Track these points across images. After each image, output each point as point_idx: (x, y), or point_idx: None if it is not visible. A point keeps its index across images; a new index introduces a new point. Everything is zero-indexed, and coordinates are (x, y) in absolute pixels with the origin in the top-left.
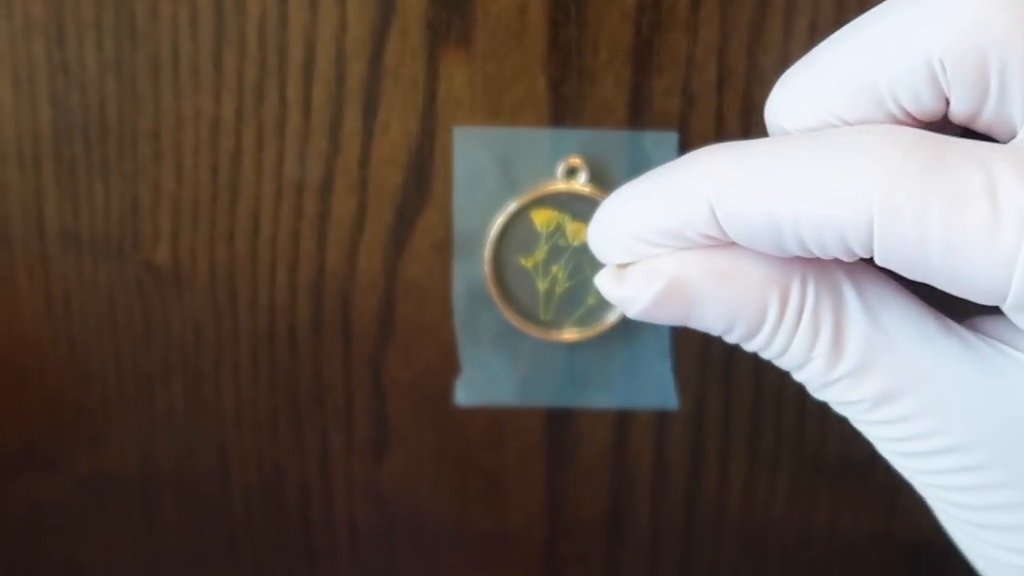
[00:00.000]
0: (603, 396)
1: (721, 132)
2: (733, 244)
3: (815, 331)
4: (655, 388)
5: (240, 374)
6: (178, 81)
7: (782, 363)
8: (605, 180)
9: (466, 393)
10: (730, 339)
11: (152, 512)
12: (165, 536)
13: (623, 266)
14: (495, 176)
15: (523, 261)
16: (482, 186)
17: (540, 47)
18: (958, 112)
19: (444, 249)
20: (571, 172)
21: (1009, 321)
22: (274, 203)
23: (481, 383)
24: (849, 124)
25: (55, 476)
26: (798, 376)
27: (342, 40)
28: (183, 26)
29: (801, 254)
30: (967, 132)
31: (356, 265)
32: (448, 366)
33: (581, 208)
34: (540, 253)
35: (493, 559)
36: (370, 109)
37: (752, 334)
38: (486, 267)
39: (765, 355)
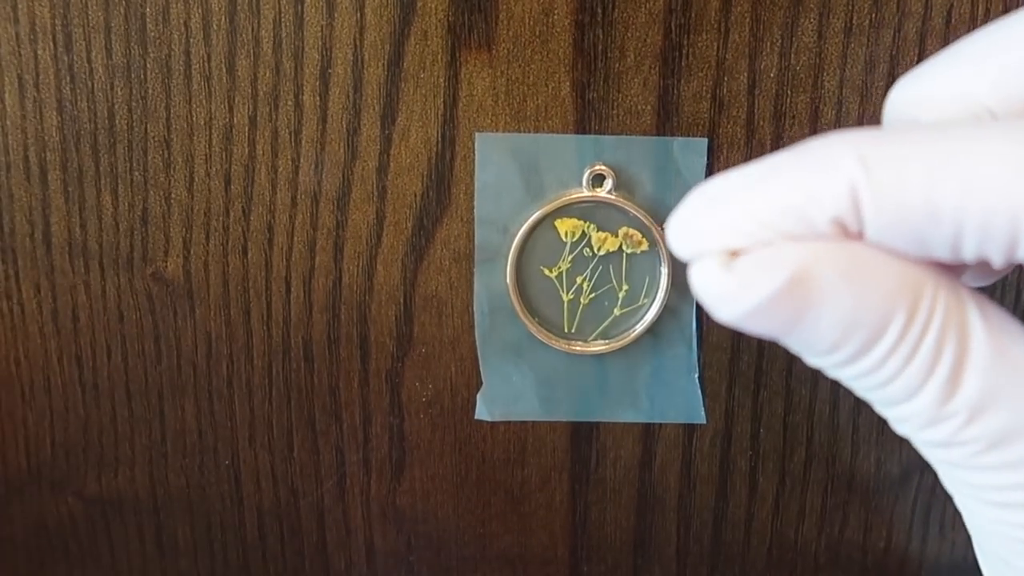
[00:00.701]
0: (629, 410)
1: (752, 138)
2: (857, 240)
3: (936, 354)
4: (682, 402)
5: (254, 391)
6: (190, 87)
7: (884, 393)
8: (632, 188)
9: (488, 408)
10: (832, 358)
11: (163, 535)
12: (177, 560)
13: (729, 255)
14: (518, 184)
15: (547, 272)
16: (505, 194)
17: (565, 50)
18: None
19: (465, 260)
20: (597, 180)
21: None
22: (289, 213)
23: (503, 398)
24: (998, 117)
25: (62, 497)
26: (897, 411)
27: (360, 44)
28: (195, 30)
29: (946, 255)
30: None
31: (374, 277)
32: (469, 381)
33: (607, 217)
34: (564, 263)
35: None
36: (389, 115)
37: (864, 351)
38: (508, 278)
39: (864, 382)
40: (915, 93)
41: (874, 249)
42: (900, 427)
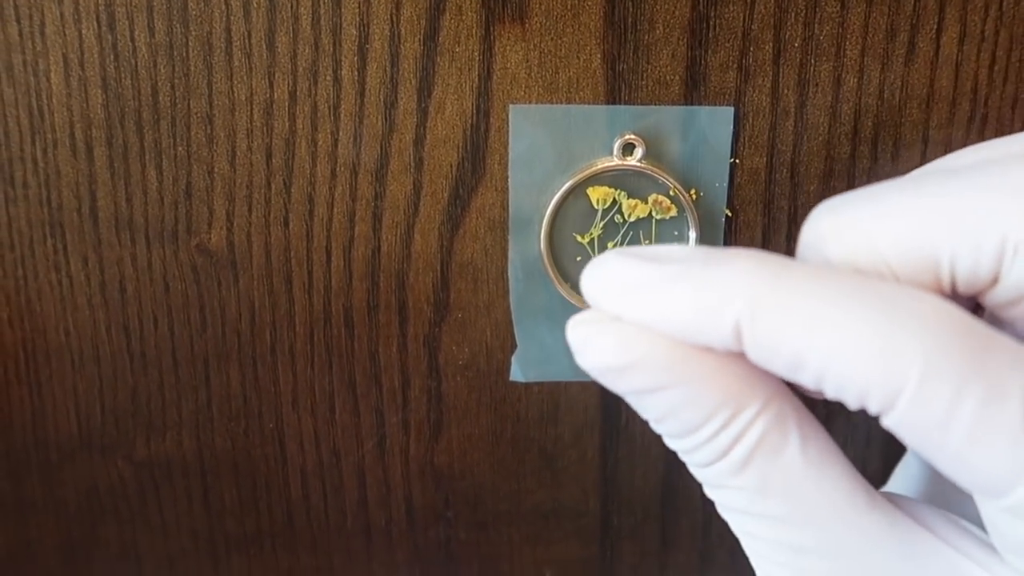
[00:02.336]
0: None
1: (777, 105)
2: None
3: (744, 464)
4: None
5: (296, 357)
6: (231, 63)
7: (697, 472)
8: (661, 156)
9: (521, 370)
10: (655, 426)
11: (210, 496)
12: (224, 520)
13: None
14: (551, 154)
15: (579, 238)
16: (538, 164)
17: (596, 23)
18: (1000, 296)
19: (499, 228)
20: (627, 148)
21: (935, 511)
22: (329, 185)
23: (536, 360)
24: (895, 276)
25: (112, 461)
26: (712, 492)
27: (396, 19)
28: (235, 7)
29: (810, 389)
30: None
31: (411, 246)
32: (503, 344)
33: (637, 184)
34: (596, 230)
35: (549, 533)
36: (425, 88)
37: (678, 436)
38: (542, 244)
39: (683, 456)
40: (827, 229)
41: (721, 362)
42: (700, 482)
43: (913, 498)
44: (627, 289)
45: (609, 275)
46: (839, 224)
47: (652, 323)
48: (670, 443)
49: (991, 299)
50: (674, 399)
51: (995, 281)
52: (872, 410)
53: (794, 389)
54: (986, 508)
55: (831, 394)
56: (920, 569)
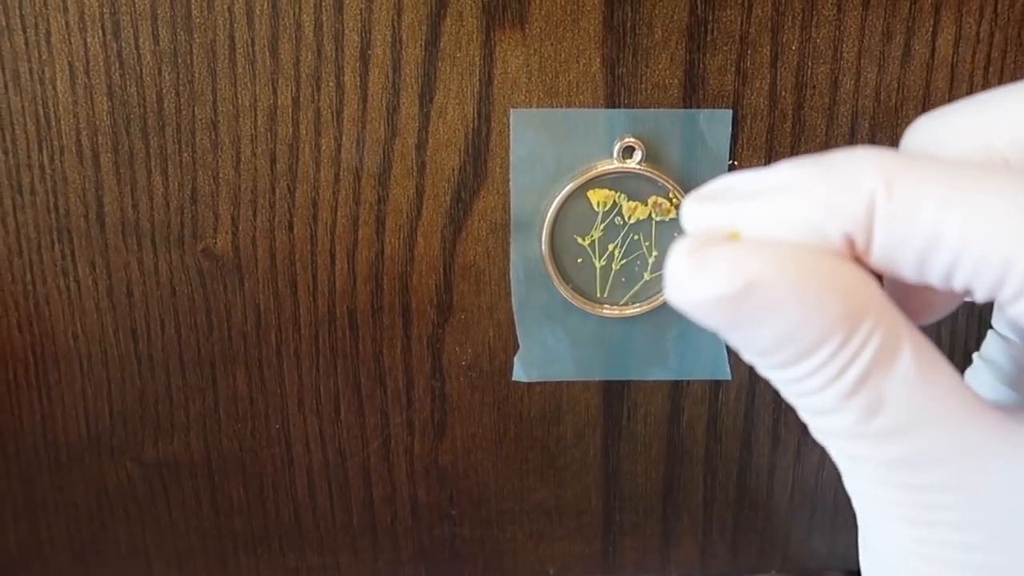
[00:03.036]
0: (658, 369)
1: (775, 108)
2: (821, 254)
3: (859, 383)
4: (708, 360)
5: (302, 359)
6: (235, 70)
7: (806, 403)
8: (660, 159)
9: (524, 370)
10: (764, 360)
11: (218, 497)
12: (231, 520)
13: (702, 246)
14: (551, 157)
15: (580, 240)
16: (539, 167)
17: (595, 27)
18: None
19: (501, 230)
20: (627, 151)
21: None
22: (332, 189)
23: (539, 360)
24: (1012, 168)
25: (121, 463)
26: (815, 420)
27: (398, 25)
28: (239, 15)
29: (938, 282)
30: None
31: (414, 248)
32: (506, 345)
33: (637, 187)
34: (596, 232)
35: (552, 530)
36: (427, 93)
37: (793, 363)
38: (543, 246)
39: (790, 388)
40: (936, 133)
41: (835, 268)
42: (817, 435)
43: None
44: (748, 193)
45: (726, 183)
46: (949, 123)
47: (779, 220)
48: (777, 374)
49: None
50: (791, 320)
51: None
52: (1008, 292)
53: None
54: None
55: (963, 279)
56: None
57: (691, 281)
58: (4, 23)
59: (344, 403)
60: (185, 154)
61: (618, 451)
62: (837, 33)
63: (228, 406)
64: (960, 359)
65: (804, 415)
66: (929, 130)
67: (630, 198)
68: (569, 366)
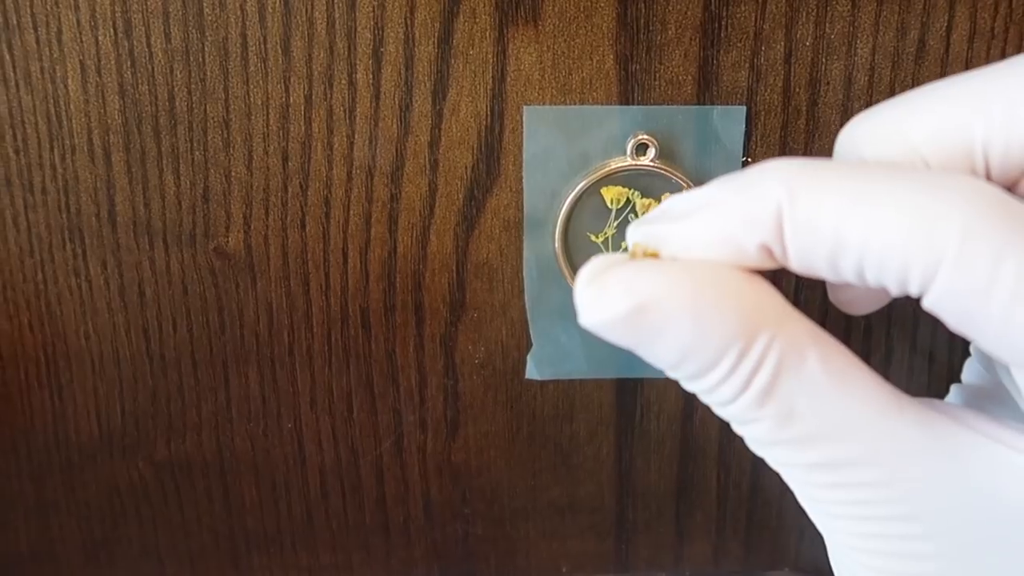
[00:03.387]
0: None
1: (789, 104)
2: (721, 270)
3: (767, 391)
4: None
5: (314, 358)
6: (247, 68)
7: (723, 412)
8: (674, 155)
9: (537, 368)
10: (672, 374)
11: (230, 496)
12: (244, 519)
13: (605, 269)
14: (565, 154)
15: (593, 237)
16: (552, 164)
17: (609, 24)
18: None
19: (514, 228)
20: (640, 148)
21: (970, 411)
22: (345, 188)
23: (552, 358)
24: (930, 167)
25: (133, 462)
26: (741, 430)
27: (411, 22)
28: (251, 13)
29: (853, 280)
30: None
31: (427, 247)
32: (519, 343)
33: (650, 184)
34: (610, 229)
35: (565, 528)
36: (439, 91)
37: (699, 375)
38: (556, 244)
39: (708, 399)
40: (862, 132)
41: (733, 285)
42: (749, 445)
43: (947, 402)
44: (677, 214)
45: (664, 207)
46: (872, 125)
47: (699, 237)
48: (691, 386)
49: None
50: (688, 335)
51: None
52: (913, 288)
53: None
54: (1020, 380)
55: (872, 277)
56: (958, 462)
57: (591, 303)
58: (15, 21)
59: (357, 402)
60: (197, 153)
61: (631, 449)
62: (851, 29)
63: (240, 405)
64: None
65: (735, 427)
66: (857, 131)
67: (644, 195)
68: (582, 364)
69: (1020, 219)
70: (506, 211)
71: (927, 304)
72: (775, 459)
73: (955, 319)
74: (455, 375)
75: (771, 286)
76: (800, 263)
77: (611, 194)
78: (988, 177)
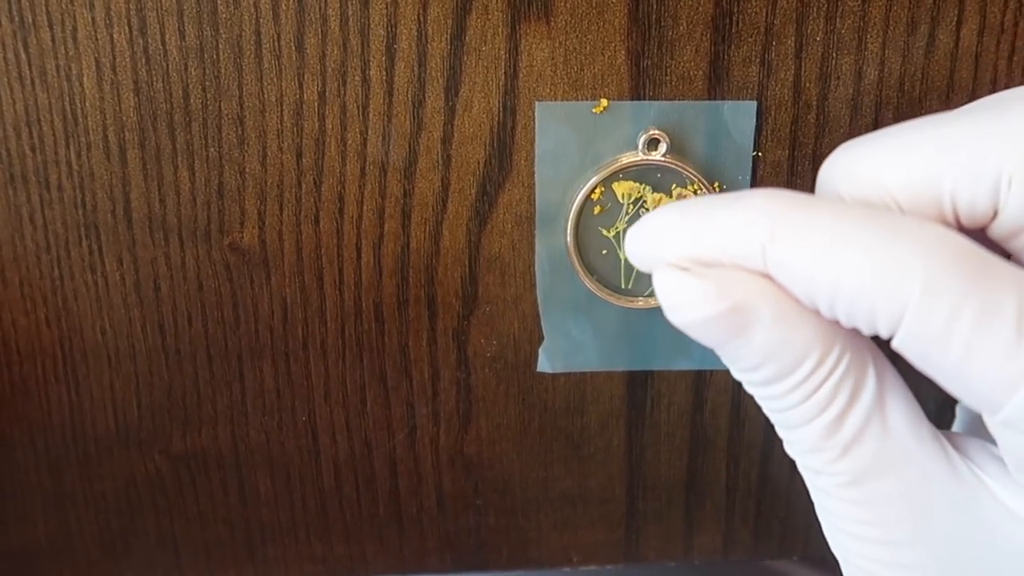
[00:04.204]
0: (681, 359)
1: (799, 99)
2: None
3: (829, 400)
4: None
5: (328, 351)
6: (261, 65)
7: (783, 417)
8: (685, 150)
9: (549, 361)
10: (751, 376)
11: (245, 488)
12: (259, 511)
13: (680, 270)
14: (577, 150)
15: (605, 232)
16: (564, 160)
17: (621, 20)
18: (1001, 228)
19: (526, 223)
20: (652, 144)
21: (977, 442)
22: (358, 183)
23: (563, 351)
24: (903, 210)
25: (149, 455)
26: (789, 434)
27: (423, 19)
28: (264, 10)
29: (825, 314)
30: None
31: (440, 241)
32: (531, 337)
33: (662, 179)
34: (621, 224)
35: (576, 519)
36: (452, 87)
37: (774, 380)
38: (568, 239)
39: (771, 404)
40: (840, 170)
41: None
42: (789, 448)
43: (957, 433)
44: (666, 229)
45: (648, 224)
46: (850, 162)
47: (708, 250)
48: (758, 391)
49: (993, 232)
50: (771, 341)
51: (995, 214)
52: (882, 331)
53: None
54: (990, 425)
55: (844, 318)
56: (960, 497)
57: (685, 304)
58: (31, 20)
59: (370, 395)
60: (211, 149)
61: (642, 440)
62: (862, 24)
63: (255, 399)
64: None
65: (779, 430)
66: (836, 169)
67: (655, 190)
68: (593, 357)
69: (980, 272)
70: (518, 206)
71: (894, 346)
72: (811, 466)
73: (919, 362)
74: (468, 368)
75: None
76: (784, 288)
77: (623, 189)
78: (957, 223)
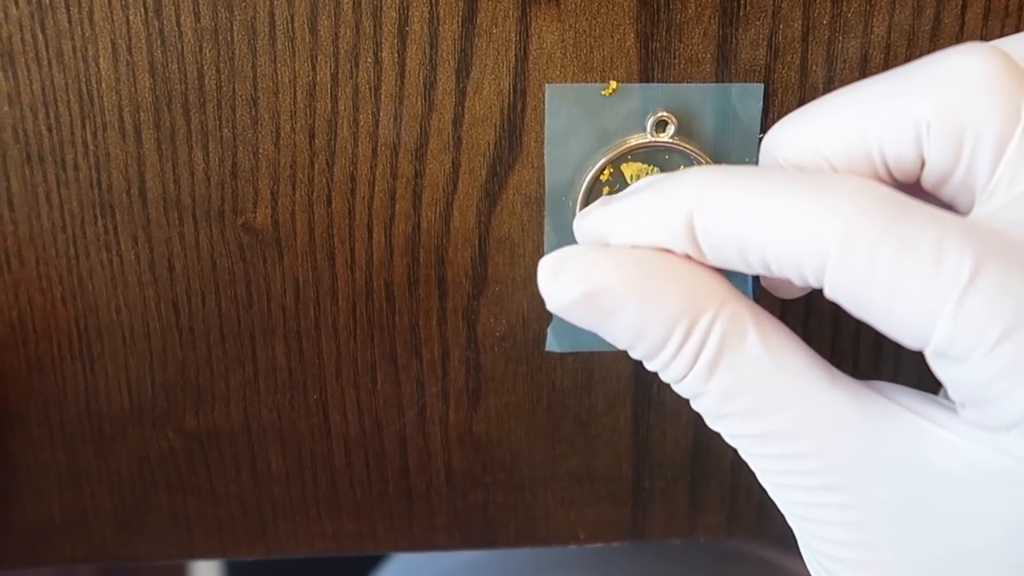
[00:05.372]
0: None
1: (806, 82)
2: (667, 257)
3: (712, 367)
4: None
5: (339, 331)
6: (274, 47)
7: (678, 389)
8: (692, 132)
9: (557, 341)
10: (632, 354)
11: (257, 465)
12: (271, 487)
13: (562, 257)
14: (586, 131)
15: None
16: (573, 141)
17: (630, 3)
18: (930, 176)
19: (536, 203)
20: (660, 125)
21: (920, 393)
22: (370, 164)
23: (571, 331)
24: (836, 171)
25: (163, 433)
26: (695, 405)
27: (435, 2)
28: None
29: (762, 272)
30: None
31: (450, 222)
32: (539, 316)
33: (669, 160)
34: None
35: (583, 497)
36: (463, 69)
37: (653, 354)
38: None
39: (663, 376)
40: (778, 138)
41: (677, 269)
42: (705, 420)
43: (882, 382)
44: (602, 216)
45: (588, 213)
46: (786, 129)
47: (621, 234)
48: (649, 366)
49: (926, 182)
50: (638, 317)
51: (923, 163)
52: (811, 280)
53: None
54: (932, 366)
55: (776, 272)
56: (886, 436)
57: (550, 288)
58: (47, 2)
59: (381, 374)
60: (225, 130)
61: (648, 419)
62: (868, 7)
63: (267, 377)
64: None
65: (691, 403)
66: (774, 137)
67: (663, 171)
68: (601, 337)
69: (898, 211)
70: (528, 187)
71: (827, 294)
72: (725, 432)
73: (850, 307)
74: (477, 347)
75: (715, 270)
76: (715, 259)
77: (631, 170)
78: (892, 179)
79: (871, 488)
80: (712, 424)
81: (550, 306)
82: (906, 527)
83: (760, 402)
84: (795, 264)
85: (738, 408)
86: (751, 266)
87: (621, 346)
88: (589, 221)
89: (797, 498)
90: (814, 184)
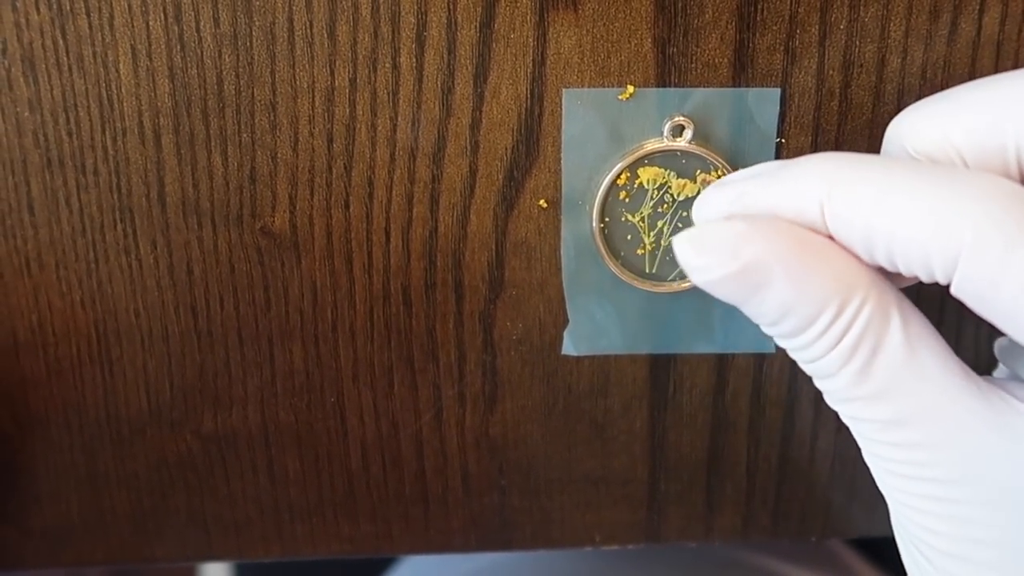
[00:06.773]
0: (704, 343)
1: (822, 87)
2: (816, 236)
3: (853, 349)
4: (753, 334)
5: (356, 334)
6: (293, 52)
7: (811, 368)
8: (709, 137)
9: (573, 344)
10: (772, 330)
11: (274, 468)
12: (288, 490)
13: (708, 232)
14: (603, 136)
15: (630, 217)
16: (590, 146)
17: (647, 8)
18: None
19: (552, 208)
20: (676, 130)
21: (1019, 382)
22: (388, 169)
23: (588, 334)
24: (968, 165)
25: (181, 435)
26: (820, 384)
27: (453, 7)
28: None
29: (885, 266)
30: None
31: (467, 226)
32: (556, 320)
33: (686, 165)
34: (646, 209)
35: (599, 499)
36: (481, 74)
37: (797, 332)
38: (594, 223)
39: (799, 355)
40: (907, 127)
41: (827, 250)
42: (828, 399)
43: (1001, 379)
44: (722, 200)
45: (709, 198)
46: (916, 119)
47: (770, 210)
48: (786, 343)
49: None
50: (789, 293)
51: None
52: (939, 276)
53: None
54: None
55: (903, 267)
56: (1003, 433)
57: (696, 263)
58: (68, 7)
59: (397, 377)
60: (244, 135)
61: (664, 422)
62: (885, 12)
63: (285, 380)
64: None
65: (816, 382)
66: (903, 126)
67: (679, 176)
68: (617, 340)
69: None
70: (544, 191)
71: (953, 291)
72: (848, 413)
73: (975, 305)
74: (493, 351)
75: None
76: (841, 243)
77: (648, 175)
78: (1020, 177)
79: (986, 487)
80: (834, 404)
81: (696, 280)
82: (1015, 529)
83: (890, 390)
84: (923, 261)
85: (867, 392)
86: (875, 259)
87: (763, 322)
88: (723, 196)
89: (907, 487)
90: (945, 178)
